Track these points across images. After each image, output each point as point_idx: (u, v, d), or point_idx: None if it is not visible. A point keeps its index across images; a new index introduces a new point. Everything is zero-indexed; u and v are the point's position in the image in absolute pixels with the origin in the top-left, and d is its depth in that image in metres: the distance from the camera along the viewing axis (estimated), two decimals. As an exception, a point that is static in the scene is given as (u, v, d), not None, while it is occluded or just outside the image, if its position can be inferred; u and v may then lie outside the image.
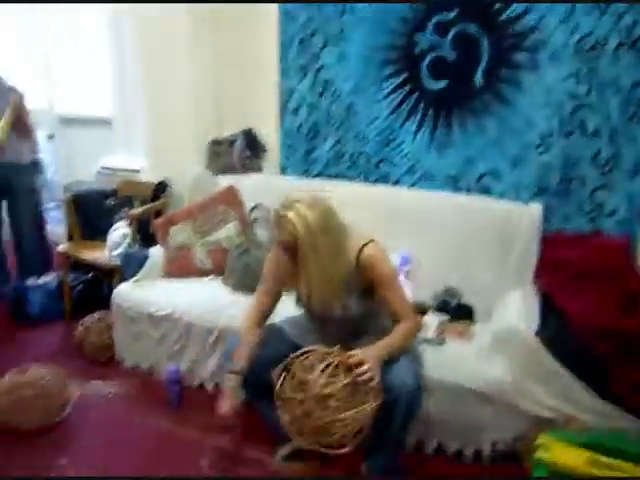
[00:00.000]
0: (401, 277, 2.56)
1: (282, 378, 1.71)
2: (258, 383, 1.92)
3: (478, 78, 2.68)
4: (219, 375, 2.54)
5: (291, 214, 1.72)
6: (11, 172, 3.41)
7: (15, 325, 3.34)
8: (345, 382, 1.63)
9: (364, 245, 1.86)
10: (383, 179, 3.00)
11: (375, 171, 3.01)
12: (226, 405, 1.93)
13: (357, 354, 1.71)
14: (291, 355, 1.72)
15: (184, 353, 2.62)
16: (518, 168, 2.68)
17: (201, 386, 2.65)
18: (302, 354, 1.73)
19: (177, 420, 2.45)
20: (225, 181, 3.16)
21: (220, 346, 2.48)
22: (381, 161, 2.99)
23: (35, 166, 3.61)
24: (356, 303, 1.92)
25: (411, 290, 2.55)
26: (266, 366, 1.83)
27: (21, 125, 3.34)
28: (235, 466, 2.18)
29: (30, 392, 2.34)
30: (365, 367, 1.67)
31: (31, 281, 3.45)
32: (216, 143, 3.36)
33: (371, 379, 1.67)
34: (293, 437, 1.72)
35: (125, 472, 2.13)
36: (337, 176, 3.11)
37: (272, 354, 1.91)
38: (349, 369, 1.67)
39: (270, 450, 2.17)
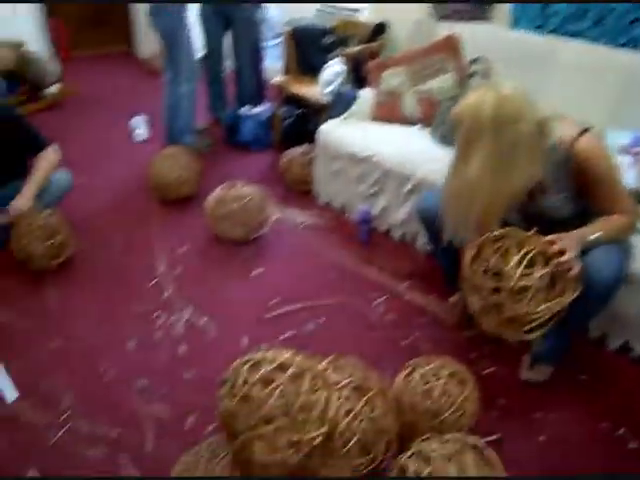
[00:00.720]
0: (629, 159, 2.26)
1: (473, 257, 1.60)
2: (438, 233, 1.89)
3: None
4: (408, 225, 2.56)
5: (473, 94, 1.53)
6: (233, 4, 3.50)
7: (229, 149, 3.66)
8: (543, 273, 1.50)
9: (578, 135, 1.61)
10: (633, 42, 2.55)
11: (625, 32, 2.56)
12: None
13: (558, 241, 1.53)
14: (485, 236, 1.60)
15: (378, 197, 2.65)
16: None
17: (388, 232, 2.69)
18: (496, 236, 1.60)
19: (361, 258, 2.54)
20: (447, 29, 2.92)
21: (414, 196, 2.45)
22: (635, 20, 2.53)
23: None
24: (568, 203, 1.71)
25: (637, 175, 2.25)
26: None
27: None
28: (405, 313, 2.23)
29: (235, 205, 2.56)
30: (566, 257, 1.50)
31: (245, 110, 3.67)
32: (444, -15, 3.10)
33: (571, 270, 1.51)
34: (481, 321, 1.64)
35: (335, 294, 2.30)
36: (576, 35, 2.71)
37: None
38: (548, 258, 1.53)
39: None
